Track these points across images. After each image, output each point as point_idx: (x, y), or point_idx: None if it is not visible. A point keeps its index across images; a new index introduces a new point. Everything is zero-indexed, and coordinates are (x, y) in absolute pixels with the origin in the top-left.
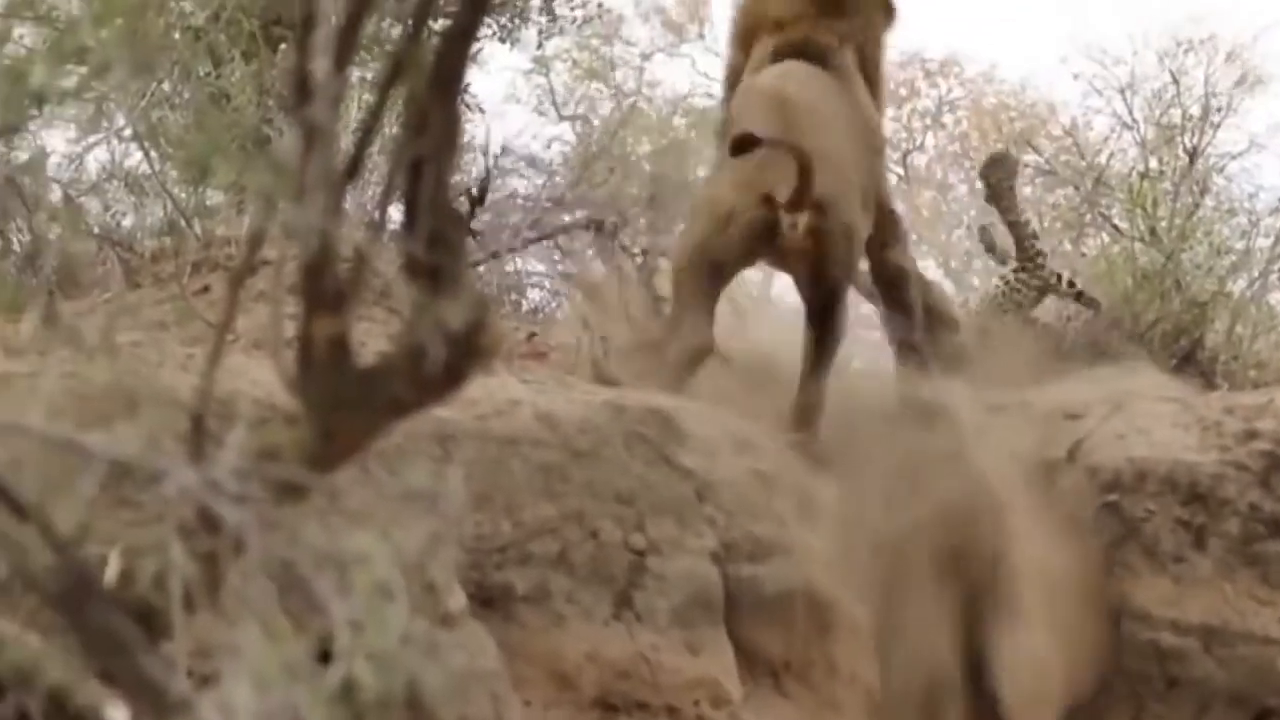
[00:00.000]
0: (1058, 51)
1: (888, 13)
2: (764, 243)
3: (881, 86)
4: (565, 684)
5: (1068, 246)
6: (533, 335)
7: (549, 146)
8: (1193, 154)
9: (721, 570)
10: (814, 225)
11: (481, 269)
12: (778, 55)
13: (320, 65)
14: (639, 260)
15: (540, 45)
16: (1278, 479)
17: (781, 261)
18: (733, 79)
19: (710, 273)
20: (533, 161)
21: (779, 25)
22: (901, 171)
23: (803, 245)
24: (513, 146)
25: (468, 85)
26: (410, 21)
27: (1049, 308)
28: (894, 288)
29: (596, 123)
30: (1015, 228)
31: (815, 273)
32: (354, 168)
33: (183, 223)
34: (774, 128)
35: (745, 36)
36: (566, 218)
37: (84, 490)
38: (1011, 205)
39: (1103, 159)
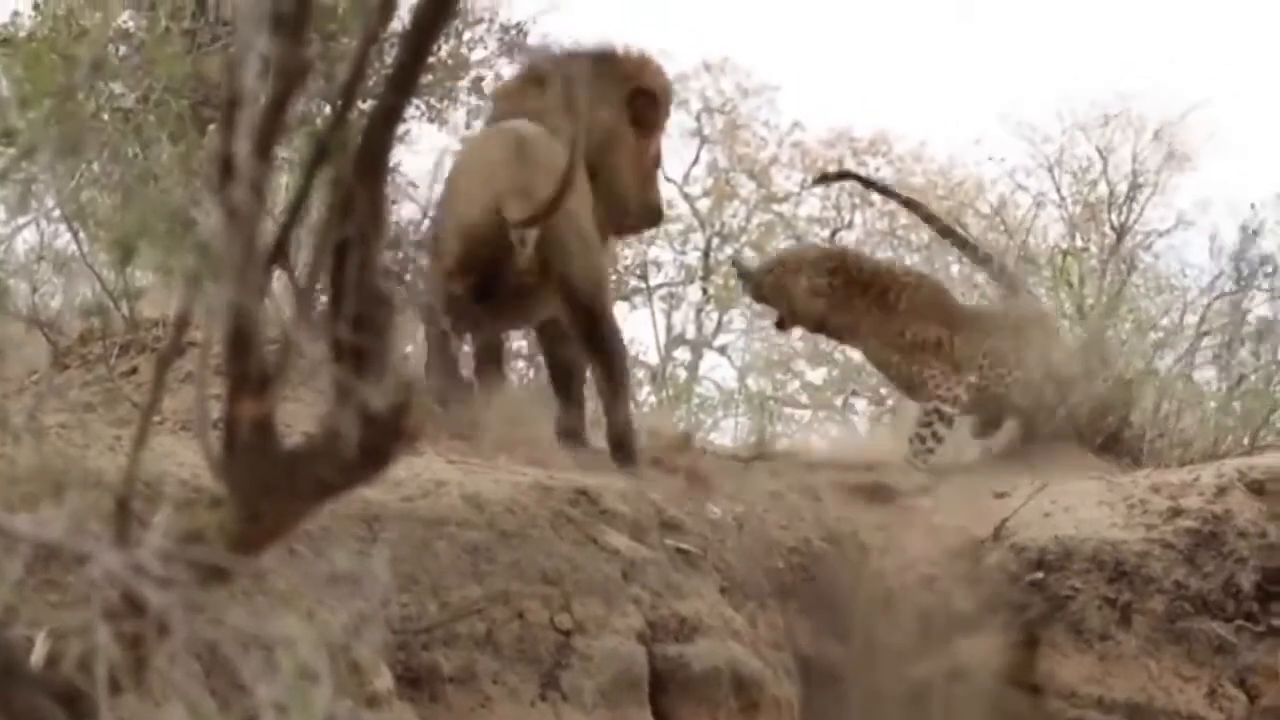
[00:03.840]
0: (981, 130)
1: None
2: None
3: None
4: None
5: None
6: None
7: None
8: (1120, 231)
9: (648, 649)
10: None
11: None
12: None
13: (244, 146)
14: None
15: (469, 125)
16: (1203, 557)
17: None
18: None
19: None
20: None
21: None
22: None
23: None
24: None
25: (396, 165)
26: (336, 102)
27: None
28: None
29: None
30: None
31: (562, 290)
32: (279, 249)
33: (110, 304)
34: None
35: None
36: None
37: (10, 572)
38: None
39: (1030, 238)
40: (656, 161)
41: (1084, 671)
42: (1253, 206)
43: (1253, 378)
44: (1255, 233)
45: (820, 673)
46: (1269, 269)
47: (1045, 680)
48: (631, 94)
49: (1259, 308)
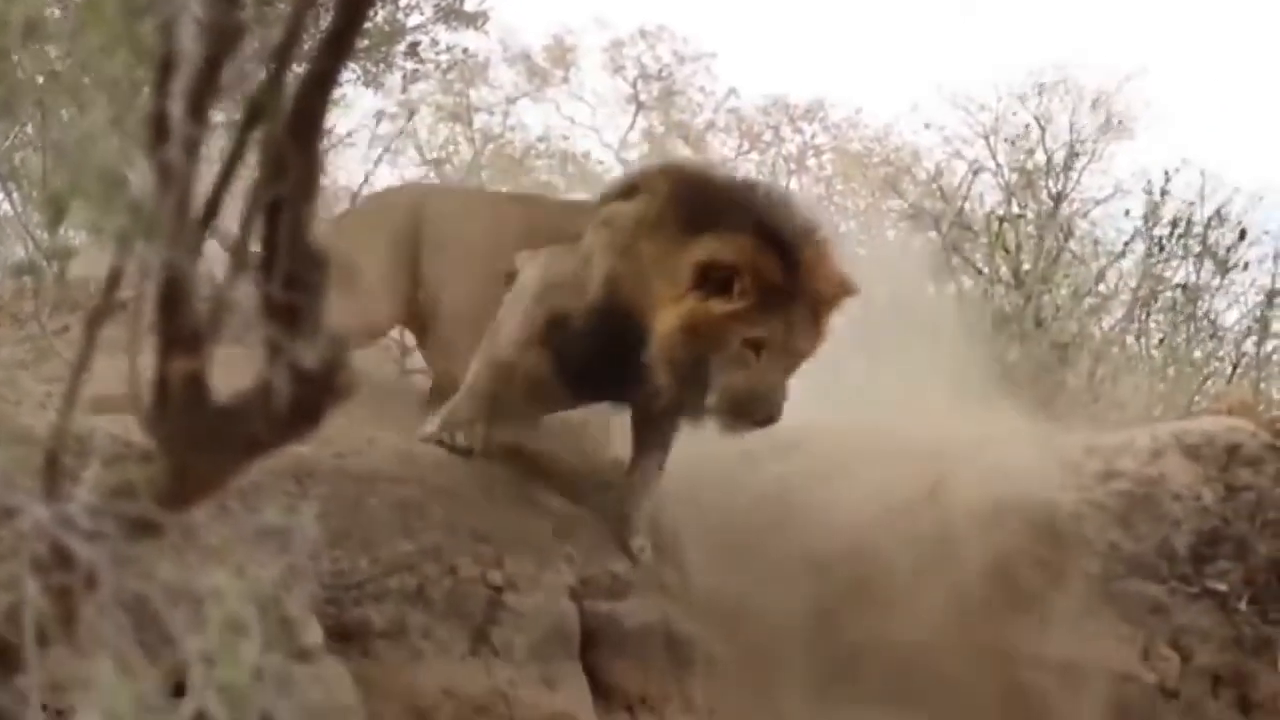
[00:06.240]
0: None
1: None
2: None
3: None
4: (423, 719)
5: (931, 290)
6: None
7: None
8: (1057, 198)
9: (579, 606)
10: None
11: None
12: None
13: (178, 107)
14: None
15: (405, 89)
16: (1138, 519)
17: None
18: None
19: None
20: None
21: None
22: None
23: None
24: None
25: (331, 128)
26: (271, 65)
27: None
28: None
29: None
30: None
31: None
32: (212, 209)
33: (43, 263)
34: None
35: None
36: None
37: None
38: None
39: (966, 204)
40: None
41: (1019, 631)
42: (1166, 173)
43: (1182, 341)
44: (1164, 193)
45: (756, 634)
46: (1179, 233)
47: (981, 640)
48: None
49: (1177, 274)
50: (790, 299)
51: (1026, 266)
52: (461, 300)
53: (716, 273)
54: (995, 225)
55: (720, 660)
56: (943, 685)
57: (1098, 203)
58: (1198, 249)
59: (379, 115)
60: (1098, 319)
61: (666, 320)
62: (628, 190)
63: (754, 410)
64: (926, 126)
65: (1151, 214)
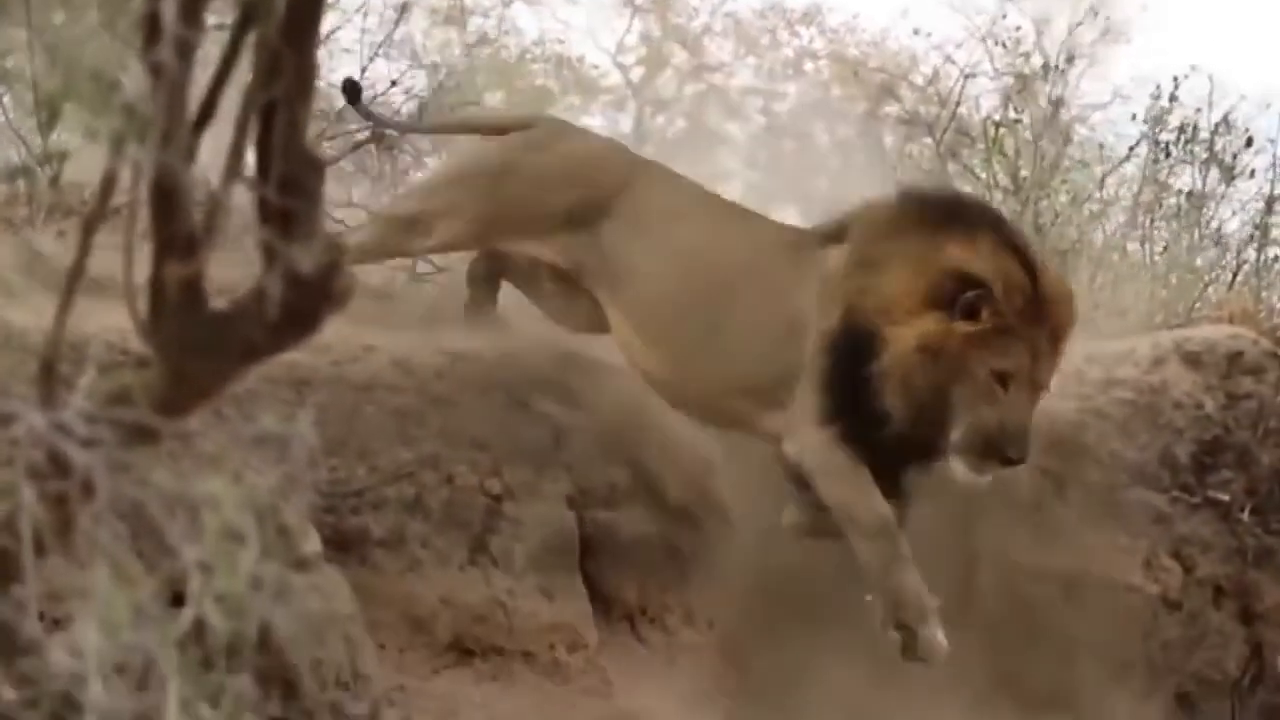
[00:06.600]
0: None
1: None
2: None
3: None
4: (420, 628)
5: None
6: None
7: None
8: (1056, 104)
9: (578, 515)
10: None
11: None
12: None
13: (170, 8)
14: None
15: None
16: (1139, 428)
17: None
18: None
19: None
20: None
21: None
22: (763, 120)
23: None
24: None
25: (332, 31)
26: None
27: None
28: None
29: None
30: None
31: None
32: (207, 112)
33: (36, 167)
34: None
35: None
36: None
37: None
38: None
39: (963, 109)
40: None
41: (1018, 542)
42: (1175, 79)
43: (1184, 249)
44: (1173, 99)
45: (760, 547)
46: (1186, 139)
47: (980, 550)
48: None
49: (1180, 180)
50: (1036, 324)
51: (1025, 173)
52: (654, 295)
53: (964, 288)
54: (993, 131)
55: (721, 572)
56: (943, 597)
57: (1096, 109)
58: (1204, 156)
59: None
60: (1099, 225)
61: (904, 338)
62: (839, 231)
63: (1006, 450)
64: (915, 33)
65: (1157, 120)
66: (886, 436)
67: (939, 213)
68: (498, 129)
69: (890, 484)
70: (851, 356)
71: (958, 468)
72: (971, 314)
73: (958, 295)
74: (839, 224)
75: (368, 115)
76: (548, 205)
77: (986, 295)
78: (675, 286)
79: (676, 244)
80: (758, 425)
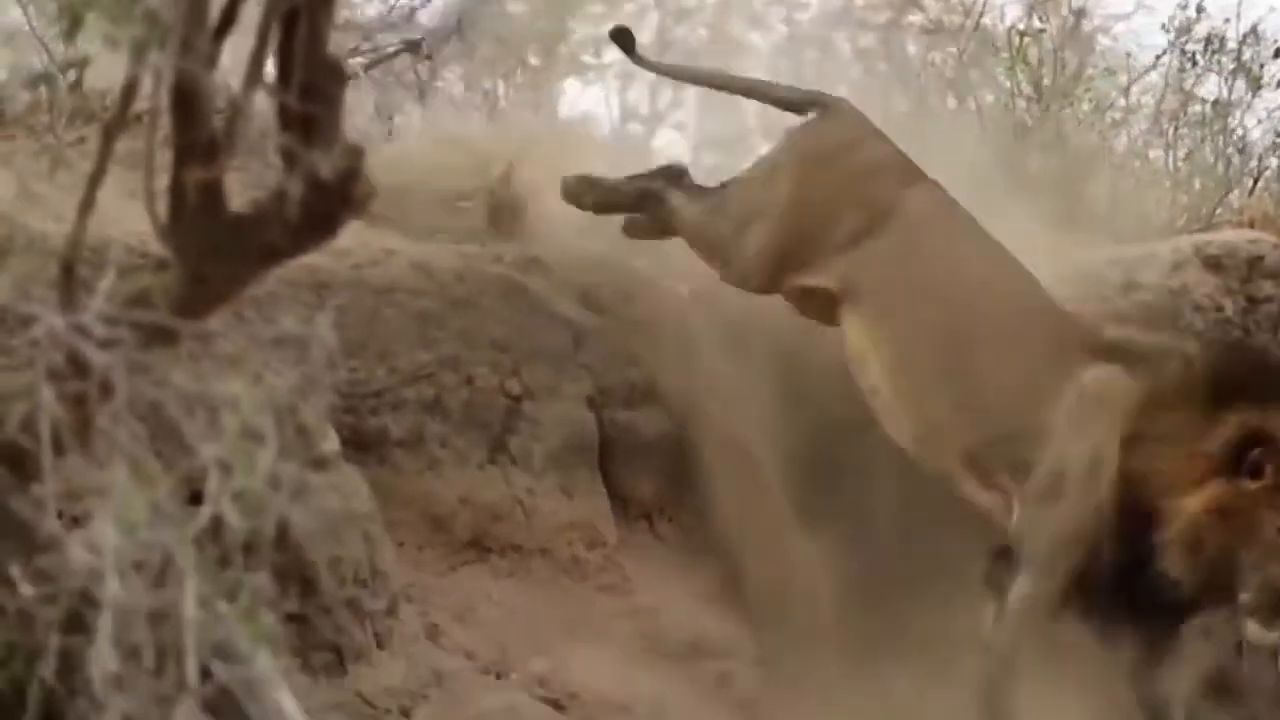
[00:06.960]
0: None
1: None
2: None
3: None
4: (439, 527)
5: (952, 104)
6: None
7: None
8: (1079, 14)
9: (597, 415)
10: None
11: None
12: None
13: None
14: None
15: None
16: (1159, 329)
17: None
18: None
19: None
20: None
21: None
22: (785, 30)
23: None
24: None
25: None
26: None
27: None
28: None
29: None
30: None
31: None
32: (228, 19)
33: (57, 74)
34: None
35: None
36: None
37: None
38: None
39: (986, 20)
40: None
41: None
42: None
43: (1208, 156)
44: (1200, 9)
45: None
46: (1213, 49)
47: None
48: None
49: (1204, 88)
50: None
51: (1047, 81)
52: (908, 330)
53: (1248, 446)
54: (1016, 40)
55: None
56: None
57: (1119, 19)
58: (1231, 66)
59: None
60: (1123, 131)
61: (1190, 504)
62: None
63: None
64: None
65: (1183, 30)
66: (1169, 601)
67: (1228, 379)
68: (786, 104)
69: (1166, 641)
70: (1129, 536)
71: (1251, 628)
72: (1257, 472)
73: (1243, 454)
74: (1113, 344)
75: (647, 64)
76: (835, 237)
77: (1271, 452)
78: (932, 326)
79: (940, 281)
80: (960, 488)
